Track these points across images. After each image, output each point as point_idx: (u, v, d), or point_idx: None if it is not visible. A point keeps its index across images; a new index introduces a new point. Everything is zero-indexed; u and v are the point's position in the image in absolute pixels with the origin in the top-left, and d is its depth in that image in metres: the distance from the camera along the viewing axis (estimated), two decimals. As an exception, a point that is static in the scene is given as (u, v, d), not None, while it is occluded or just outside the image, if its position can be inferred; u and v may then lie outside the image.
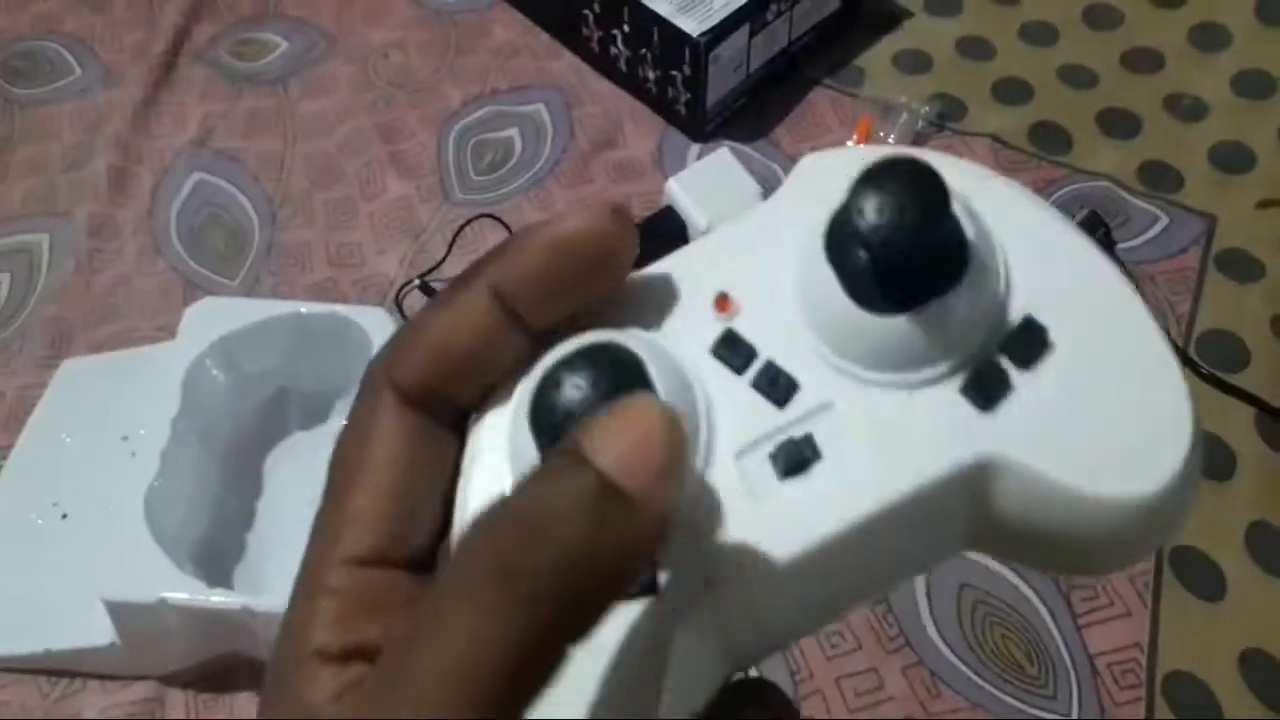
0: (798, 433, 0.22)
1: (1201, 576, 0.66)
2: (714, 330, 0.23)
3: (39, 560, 0.64)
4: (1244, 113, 0.89)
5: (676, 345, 0.23)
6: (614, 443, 0.18)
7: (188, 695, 0.62)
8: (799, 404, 0.22)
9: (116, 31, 0.95)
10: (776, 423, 0.22)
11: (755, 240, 0.24)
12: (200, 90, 0.91)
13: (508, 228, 0.81)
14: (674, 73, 0.85)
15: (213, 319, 0.67)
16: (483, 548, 0.18)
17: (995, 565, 0.66)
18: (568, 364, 0.21)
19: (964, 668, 0.63)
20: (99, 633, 0.59)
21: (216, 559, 0.64)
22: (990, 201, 0.23)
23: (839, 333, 0.22)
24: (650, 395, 0.20)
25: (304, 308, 0.68)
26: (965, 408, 0.22)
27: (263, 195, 0.85)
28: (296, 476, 0.68)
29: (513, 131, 0.89)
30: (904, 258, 0.21)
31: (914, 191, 0.20)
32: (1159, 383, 0.21)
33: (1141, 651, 0.64)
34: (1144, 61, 0.93)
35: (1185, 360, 0.74)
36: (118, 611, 0.58)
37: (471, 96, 0.91)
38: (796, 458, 0.22)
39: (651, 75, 0.87)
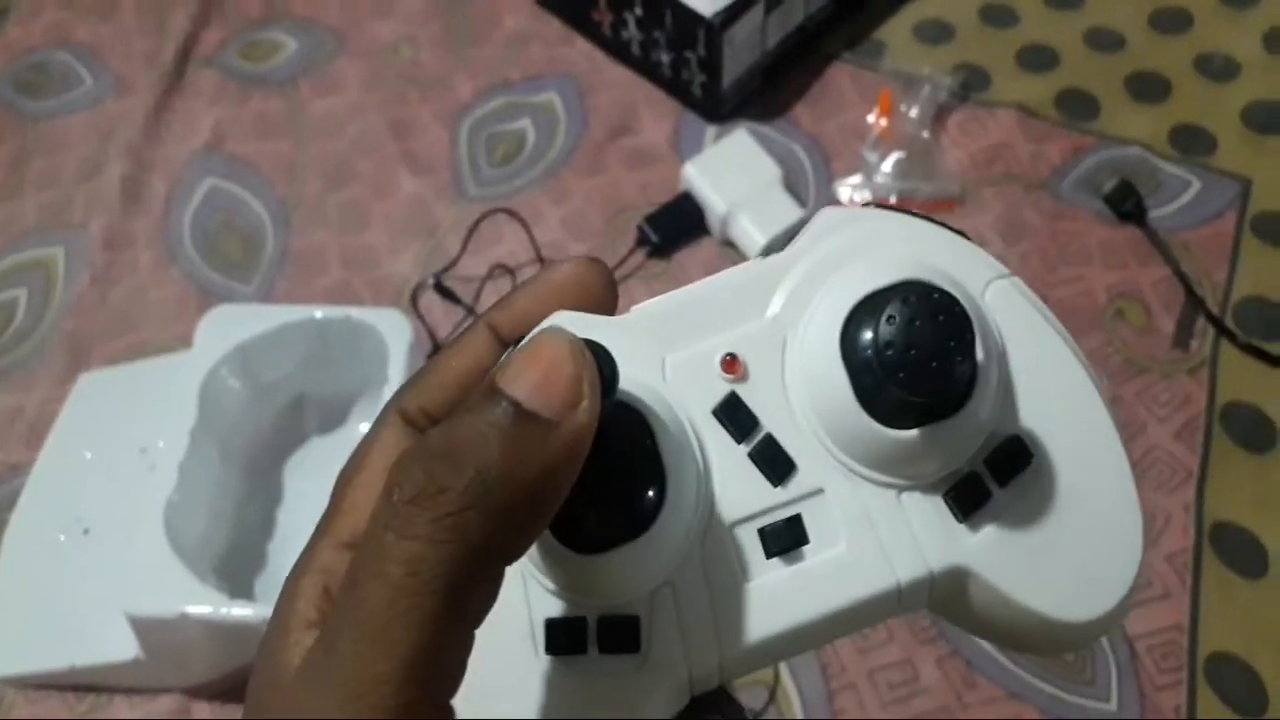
0: (788, 513, 0.23)
1: (1242, 553, 0.64)
2: (719, 391, 0.23)
3: (63, 576, 0.64)
4: (1277, 70, 0.86)
5: (679, 396, 0.23)
6: (526, 374, 0.20)
7: (213, 707, 0.62)
8: (793, 485, 0.23)
9: (126, 40, 0.95)
10: (769, 500, 0.23)
11: (770, 301, 0.24)
12: (210, 95, 0.91)
13: (522, 221, 0.80)
14: (688, 54, 0.83)
15: (228, 327, 0.67)
16: (406, 478, 0.19)
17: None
18: None
19: (1000, 656, 0.61)
20: (123, 648, 0.59)
21: (238, 569, 0.64)
22: (1000, 308, 0.24)
23: (842, 429, 0.23)
24: (558, 329, 0.21)
25: (319, 312, 0.67)
26: (945, 516, 0.23)
27: (276, 199, 0.84)
28: (315, 483, 0.68)
29: (525, 122, 0.88)
30: (923, 394, 0.21)
31: (944, 337, 0.21)
32: (1119, 514, 0.23)
33: (1182, 633, 0.62)
34: (1172, 21, 0.90)
35: (1221, 330, 0.72)
36: (141, 626, 0.58)
37: (483, 88, 0.90)
38: (785, 539, 0.23)
39: (665, 58, 0.85)
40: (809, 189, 0.82)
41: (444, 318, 0.77)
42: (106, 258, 0.81)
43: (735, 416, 0.23)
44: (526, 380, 0.20)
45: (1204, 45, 0.88)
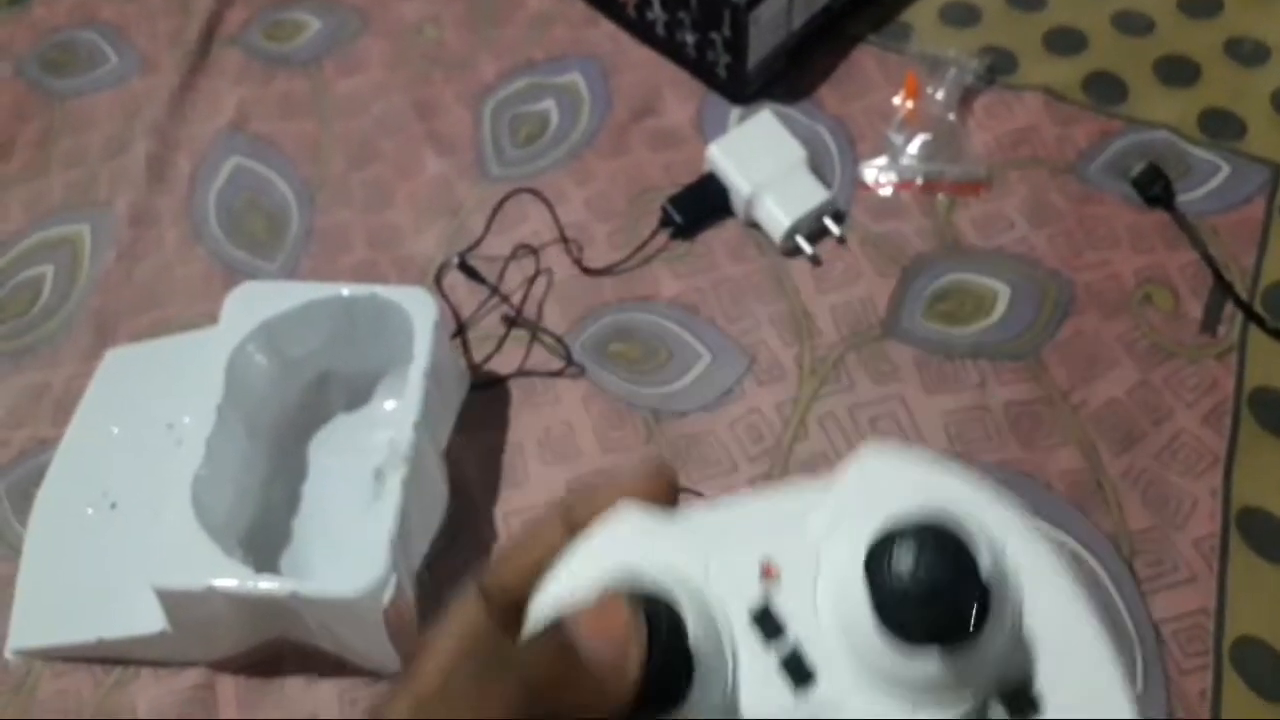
0: None
1: (1270, 538, 0.64)
2: (755, 596, 0.25)
3: (90, 550, 0.65)
4: (1309, 54, 0.85)
5: (718, 596, 0.25)
6: (586, 620, 0.23)
7: (238, 681, 0.62)
8: (814, 695, 0.24)
9: (151, 18, 0.95)
10: (790, 707, 0.24)
11: (812, 521, 0.26)
12: (234, 74, 0.91)
13: (546, 202, 0.79)
14: (713, 35, 0.82)
15: (254, 303, 0.67)
16: (463, 668, 0.24)
17: (1055, 531, 0.64)
18: None
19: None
20: (150, 621, 0.60)
21: (264, 544, 0.64)
22: (1018, 555, 0.25)
23: (863, 645, 0.24)
24: (623, 599, 0.24)
25: (345, 290, 0.67)
26: None
27: (300, 178, 0.84)
28: (340, 460, 0.68)
29: (549, 103, 0.87)
30: (932, 622, 0.23)
31: (950, 574, 0.23)
32: None
33: (1208, 617, 0.62)
34: (1202, 5, 0.89)
35: (1250, 315, 0.72)
36: (168, 599, 0.58)
37: (507, 69, 0.90)
38: None
39: (690, 39, 0.85)
40: (834, 171, 0.81)
41: (468, 296, 0.77)
42: (132, 235, 0.81)
43: (767, 622, 0.25)
44: (585, 627, 0.23)
45: (1234, 29, 0.87)
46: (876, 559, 0.24)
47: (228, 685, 0.62)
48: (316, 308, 0.67)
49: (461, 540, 0.66)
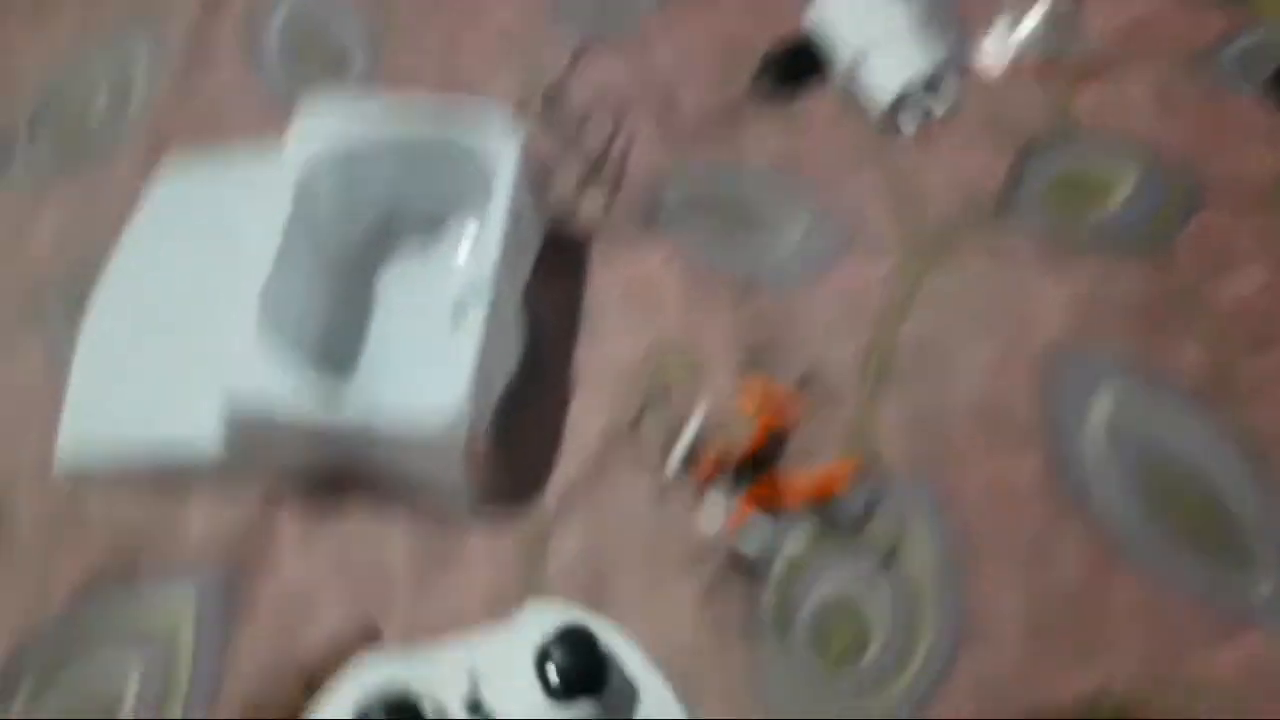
0: None
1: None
2: (466, 690, 0.46)
3: (144, 366, 0.60)
4: None
5: (442, 697, 0.45)
6: None
7: (296, 513, 0.58)
8: None
9: None
10: None
11: (502, 636, 0.49)
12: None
13: (629, 54, 0.74)
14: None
15: (325, 118, 0.62)
16: None
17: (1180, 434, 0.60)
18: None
19: (1146, 539, 0.57)
20: (206, 439, 0.56)
21: (330, 367, 0.59)
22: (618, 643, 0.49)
23: (539, 708, 0.45)
24: None
25: (422, 108, 0.62)
26: None
27: (363, 25, 0.79)
28: (411, 298, 0.63)
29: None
30: (580, 682, 0.45)
31: (583, 657, 0.46)
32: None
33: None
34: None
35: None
36: (231, 417, 0.55)
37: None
38: None
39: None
40: (943, 42, 0.75)
41: (545, 150, 0.71)
42: (190, 58, 0.77)
43: (476, 707, 0.45)
44: None
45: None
46: (541, 654, 0.45)
47: (286, 516, 0.58)
48: (391, 129, 0.62)
49: (531, 390, 0.62)
